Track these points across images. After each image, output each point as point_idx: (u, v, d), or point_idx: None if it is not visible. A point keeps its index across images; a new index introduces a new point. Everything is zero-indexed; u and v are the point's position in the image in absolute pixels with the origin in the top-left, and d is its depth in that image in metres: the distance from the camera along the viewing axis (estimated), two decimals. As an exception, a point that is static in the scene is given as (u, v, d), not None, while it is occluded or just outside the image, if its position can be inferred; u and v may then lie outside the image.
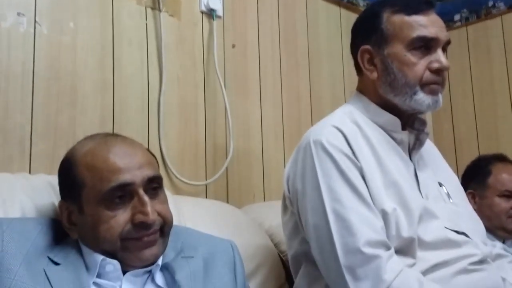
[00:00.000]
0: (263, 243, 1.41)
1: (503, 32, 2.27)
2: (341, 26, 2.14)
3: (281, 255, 1.43)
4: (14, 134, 1.27)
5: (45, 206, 1.07)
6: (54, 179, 1.14)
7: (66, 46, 1.39)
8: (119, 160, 0.95)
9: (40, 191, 1.10)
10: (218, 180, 1.64)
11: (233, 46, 1.77)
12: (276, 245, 1.46)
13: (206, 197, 1.62)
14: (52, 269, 0.92)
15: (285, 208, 1.24)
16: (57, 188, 1.10)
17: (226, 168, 1.66)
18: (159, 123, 1.54)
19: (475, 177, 1.80)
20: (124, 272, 0.96)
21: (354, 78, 2.04)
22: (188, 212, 1.30)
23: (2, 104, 1.26)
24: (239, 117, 1.74)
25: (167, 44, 1.59)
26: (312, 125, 1.90)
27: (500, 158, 1.86)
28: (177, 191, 1.55)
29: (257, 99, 1.82)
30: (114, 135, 1.03)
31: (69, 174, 0.97)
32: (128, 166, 0.94)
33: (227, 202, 1.63)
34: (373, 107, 1.21)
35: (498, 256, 1.21)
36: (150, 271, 0.98)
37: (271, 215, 1.54)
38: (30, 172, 1.26)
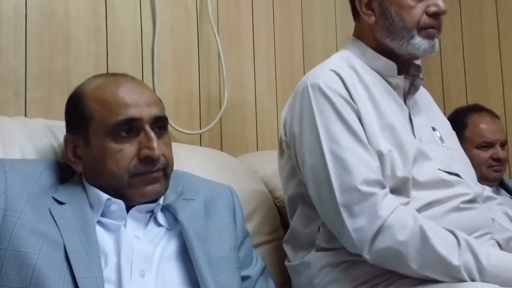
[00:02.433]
0: (258, 189, 1.44)
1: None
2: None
3: (275, 201, 1.46)
4: (8, 79, 1.26)
5: (45, 148, 1.08)
6: (52, 123, 1.15)
7: (57, -10, 1.37)
8: (128, 96, 0.96)
9: (39, 134, 1.10)
10: (212, 129, 1.65)
11: (227, -6, 1.75)
12: (270, 191, 1.48)
13: (200, 146, 1.63)
14: (57, 208, 0.93)
15: (281, 152, 1.26)
16: (56, 131, 1.11)
17: (220, 118, 1.66)
18: (153, 72, 1.54)
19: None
20: (127, 210, 0.97)
21: (347, 29, 2.03)
22: (186, 159, 1.31)
23: (-5, 49, 1.25)
24: (233, 67, 1.74)
25: (160, -8, 1.57)
26: (304, 76, 1.93)
27: (476, 109, 1.86)
28: (172, 139, 1.55)
29: (250, 50, 1.81)
30: (123, 75, 1.04)
31: (77, 107, 0.98)
32: (137, 103, 0.96)
33: (221, 151, 1.64)
34: (370, 51, 1.22)
35: (488, 198, 1.25)
36: (152, 211, 1.00)
37: (266, 164, 1.57)
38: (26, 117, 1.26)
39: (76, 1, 1.40)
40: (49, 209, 0.92)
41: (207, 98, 1.67)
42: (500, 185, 1.88)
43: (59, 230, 0.89)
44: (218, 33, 1.67)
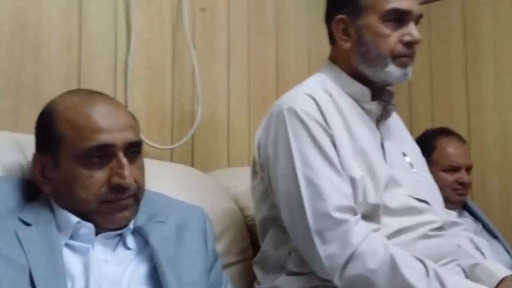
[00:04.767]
0: (229, 207, 1.43)
1: (464, 13, 2.34)
2: (309, -4, 2.15)
3: (246, 220, 1.46)
4: (-26, 89, 1.22)
5: (12, 165, 1.04)
6: (20, 137, 1.11)
7: (30, -1, 1.33)
8: (102, 119, 0.93)
9: (6, 150, 1.06)
10: (184, 144, 1.63)
11: (202, 9, 1.74)
12: (241, 209, 1.48)
13: (171, 161, 1.61)
14: (23, 230, 0.90)
15: (254, 173, 1.25)
16: (24, 147, 1.07)
17: (193, 134, 1.65)
18: (126, 84, 1.51)
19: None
20: (96, 233, 0.95)
21: (320, 47, 2.05)
22: (156, 176, 1.29)
23: (-38, 55, 1.21)
24: (207, 83, 1.73)
25: (136, 3, 1.55)
26: (277, 94, 1.95)
27: (445, 132, 1.90)
28: (143, 154, 1.53)
29: (224, 65, 1.81)
30: (98, 93, 1.00)
31: (49, 127, 0.94)
32: (111, 127, 0.93)
33: (192, 167, 1.63)
34: (344, 76, 1.23)
35: (454, 224, 1.28)
36: (121, 235, 0.98)
37: (236, 181, 1.56)
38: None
39: (49, 9, 1.36)
40: (14, 231, 0.89)
41: (179, 112, 1.66)
42: (463, 208, 1.92)
43: (25, 254, 0.86)
44: (193, 46, 1.66)
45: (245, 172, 1.45)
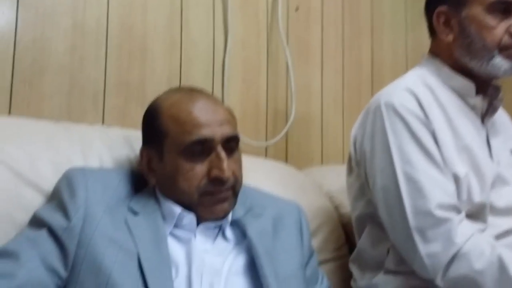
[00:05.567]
0: (323, 205, 1.43)
1: None
2: (406, -8, 2.09)
3: (340, 218, 1.45)
4: (88, 88, 1.32)
5: (121, 158, 1.11)
6: (128, 133, 1.18)
7: (136, 6, 1.42)
8: (202, 115, 0.97)
9: (117, 144, 1.13)
10: (278, 142, 1.66)
11: (297, 8, 1.75)
12: (335, 207, 1.47)
13: (265, 158, 1.64)
14: (132, 218, 0.95)
15: (350, 170, 1.24)
16: (133, 142, 1.14)
17: (287, 131, 1.67)
18: (223, 84, 1.56)
19: None
20: (196, 224, 0.99)
21: (417, 46, 2.00)
22: (252, 171, 1.31)
23: (77, 58, 1.31)
24: (301, 81, 1.74)
25: (233, 6, 1.60)
26: (372, 92, 1.91)
27: None
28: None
29: (318, 64, 1.81)
30: (199, 90, 1.05)
31: (154, 122, 1.00)
32: (210, 122, 0.96)
33: (286, 163, 1.64)
34: (447, 70, 1.18)
35: None
36: (220, 226, 1.01)
37: (330, 178, 1.56)
38: (103, 125, 1.31)
39: (153, 14, 1.44)
40: (125, 219, 0.95)
41: (274, 110, 1.68)
42: None
43: (134, 240, 0.91)
44: (287, 46, 1.68)
45: (339, 170, 1.44)
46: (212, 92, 1.54)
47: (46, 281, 0.86)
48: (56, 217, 0.90)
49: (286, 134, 1.68)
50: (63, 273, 0.87)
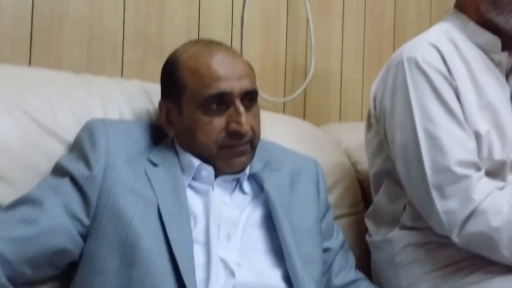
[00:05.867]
0: (341, 161, 1.43)
1: None
2: None
3: (357, 174, 1.45)
4: (107, 40, 1.31)
5: (141, 111, 1.11)
6: (147, 86, 1.18)
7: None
8: (220, 68, 0.96)
9: (136, 96, 1.13)
10: (296, 98, 1.64)
11: (319, -41, 1.70)
12: (353, 164, 1.47)
13: (283, 114, 1.63)
14: (152, 169, 0.96)
15: (369, 126, 1.23)
16: (151, 95, 1.14)
17: (305, 87, 1.65)
18: (242, 37, 1.54)
19: None
20: (214, 177, 1.00)
21: (441, 1, 1.93)
22: (270, 126, 1.31)
23: (96, 10, 1.30)
24: (320, 36, 1.71)
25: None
26: (394, 48, 1.87)
27: None
28: (256, 106, 1.57)
29: (339, 18, 1.77)
30: (217, 43, 1.04)
31: (172, 75, 1.00)
32: (229, 76, 0.96)
33: (304, 120, 1.64)
34: (472, 25, 1.15)
35: None
36: (238, 179, 1.02)
37: (349, 135, 1.55)
38: (122, 77, 1.31)
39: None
40: (144, 170, 0.96)
41: (292, 65, 1.66)
42: None
43: (154, 191, 0.93)
44: (308, -1, 1.65)
45: (358, 127, 1.43)
46: (231, 44, 1.53)
47: (69, 228, 0.88)
48: (78, 166, 0.92)
49: (305, 90, 1.66)
50: (85, 220, 0.89)
